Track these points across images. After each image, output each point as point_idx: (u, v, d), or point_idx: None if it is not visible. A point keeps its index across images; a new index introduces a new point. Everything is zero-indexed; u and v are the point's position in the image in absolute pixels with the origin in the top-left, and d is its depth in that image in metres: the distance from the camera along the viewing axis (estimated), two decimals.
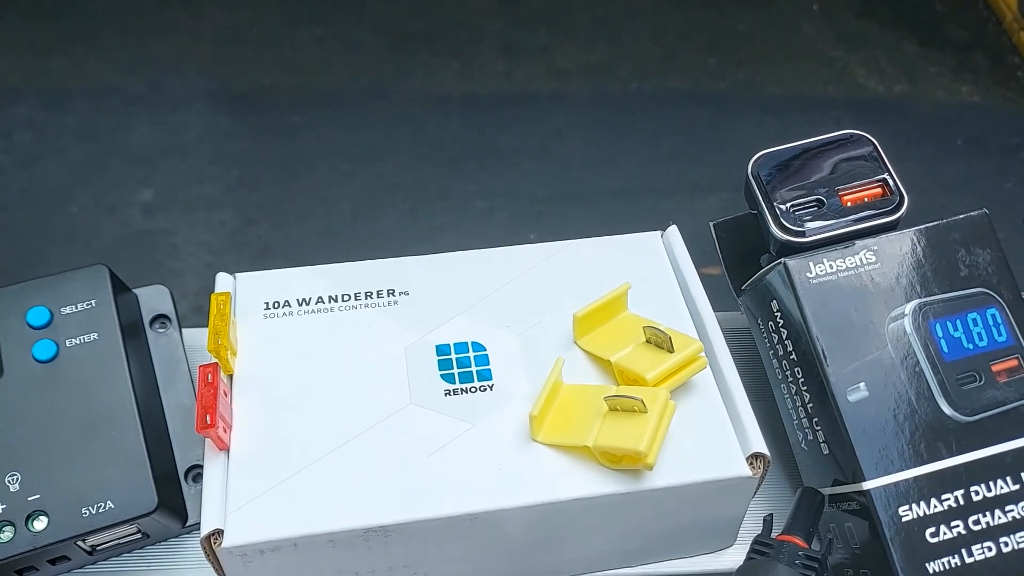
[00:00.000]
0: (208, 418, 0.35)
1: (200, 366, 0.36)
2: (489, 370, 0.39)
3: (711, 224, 0.46)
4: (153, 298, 0.44)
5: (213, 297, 0.39)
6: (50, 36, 1.56)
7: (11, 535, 0.35)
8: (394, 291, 0.42)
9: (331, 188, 1.38)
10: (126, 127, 1.44)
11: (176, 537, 0.40)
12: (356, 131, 1.47)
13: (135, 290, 0.44)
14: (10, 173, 1.37)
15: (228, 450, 0.36)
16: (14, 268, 1.24)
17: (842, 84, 1.63)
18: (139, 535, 0.38)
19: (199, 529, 0.39)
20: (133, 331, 0.41)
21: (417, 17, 1.67)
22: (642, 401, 0.35)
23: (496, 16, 1.69)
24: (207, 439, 0.36)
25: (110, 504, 0.36)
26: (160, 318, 0.44)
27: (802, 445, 0.39)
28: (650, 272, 0.43)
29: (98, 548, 0.38)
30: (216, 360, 0.37)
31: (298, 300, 0.41)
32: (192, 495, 0.40)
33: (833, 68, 1.66)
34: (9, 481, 0.36)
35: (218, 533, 0.34)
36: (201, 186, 1.37)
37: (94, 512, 0.36)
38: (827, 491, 0.38)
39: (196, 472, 0.41)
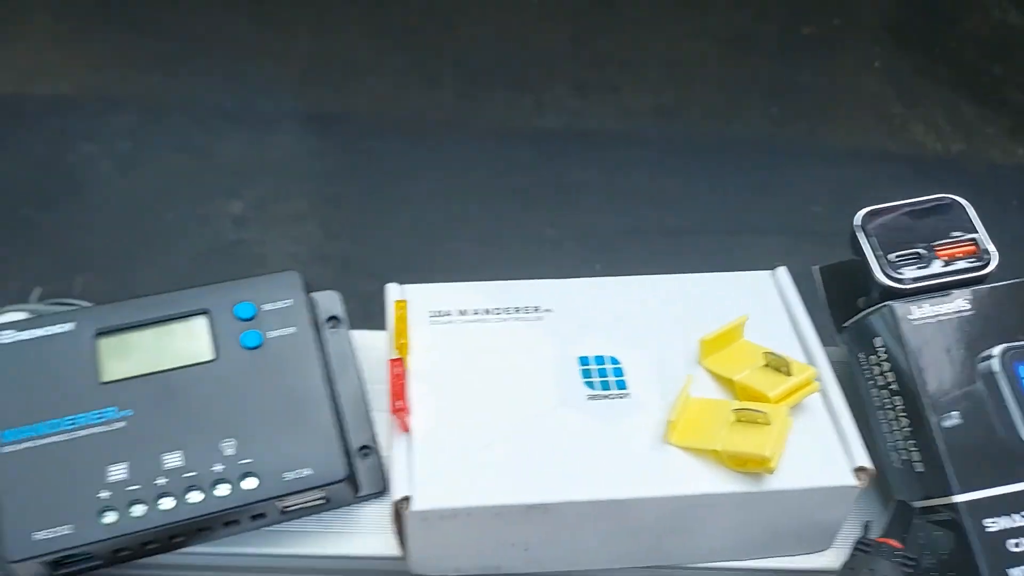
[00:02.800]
0: (399, 403, 0.42)
1: (390, 360, 0.43)
2: (624, 381, 0.45)
3: (816, 268, 0.52)
4: (327, 301, 0.51)
5: (396, 303, 0.46)
6: (153, 53, 1.67)
7: (227, 491, 0.42)
8: (539, 308, 0.48)
9: (408, 210, 1.46)
10: (219, 142, 1.54)
11: (347, 505, 0.46)
12: (433, 158, 1.55)
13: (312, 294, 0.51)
14: (111, 178, 1.46)
15: (409, 431, 0.43)
16: (114, 267, 1.33)
17: (900, 140, 1.68)
18: (322, 501, 0.45)
19: (368, 499, 0.46)
20: (316, 328, 0.48)
21: (494, 54, 1.76)
22: (766, 414, 0.41)
23: (569, 56, 1.77)
24: (392, 422, 0.42)
25: (308, 471, 0.43)
26: (332, 319, 0.51)
27: (896, 464, 0.45)
28: (762, 305, 0.49)
29: (288, 509, 0.44)
30: (400, 356, 0.44)
31: (458, 311, 0.48)
32: (362, 470, 0.46)
33: (892, 124, 1.72)
34: (225, 446, 0.43)
35: (407, 499, 0.40)
36: (288, 202, 1.45)
37: (294, 477, 0.43)
38: (918, 504, 0.43)
39: (365, 450, 0.47)
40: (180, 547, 0.44)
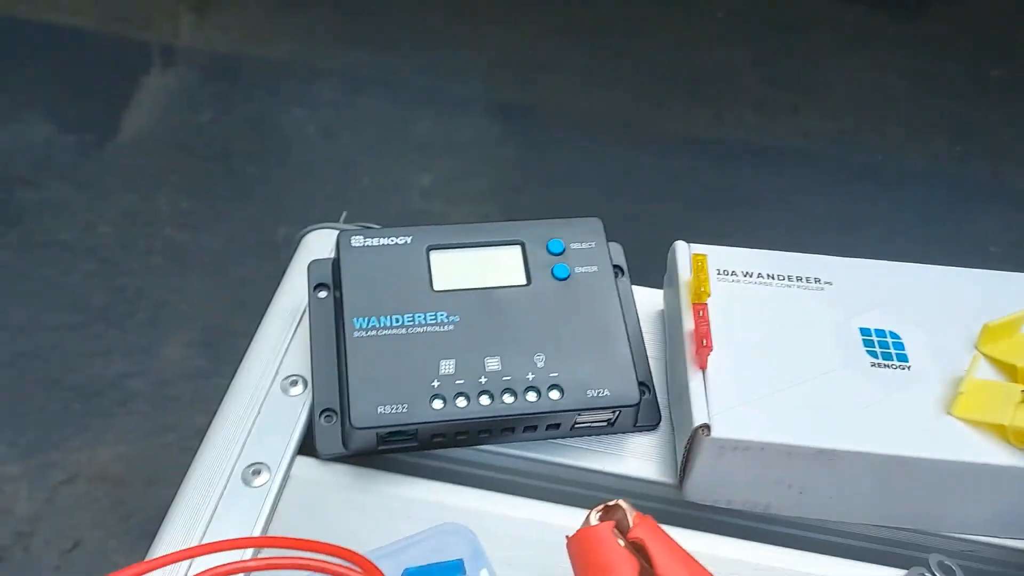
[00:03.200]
0: (705, 342, 0.46)
1: (693, 304, 0.48)
2: (905, 354, 0.48)
3: None
4: (614, 251, 0.56)
5: (695, 256, 0.50)
6: (357, 32, 1.79)
7: (535, 398, 0.47)
8: (820, 279, 0.52)
9: (583, 202, 1.51)
10: (412, 119, 1.63)
11: (624, 432, 0.51)
12: (610, 155, 1.60)
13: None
14: (315, 141, 1.57)
15: (705, 369, 0.47)
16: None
17: None
18: (606, 424, 0.50)
19: (641, 430, 0.51)
20: (614, 271, 0.53)
21: (675, 63, 1.80)
22: None
23: (750, 73, 1.79)
24: (691, 359, 0.47)
25: (606, 392, 0.48)
26: (616, 267, 0.56)
27: None
28: None
29: (578, 425, 0.49)
30: (703, 301, 0.48)
31: (743, 272, 0.52)
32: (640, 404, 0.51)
33: None
34: (537, 359, 0.48)
35: (706, 427, 0.44)
36: (471, 180, 1.53)
37: (594, 395, 0.48)
38: None
39: (643, 387, 0.52)
40: (482, 443, 0.49)
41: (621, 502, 0.39)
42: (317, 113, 1.61)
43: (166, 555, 0.41)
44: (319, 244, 0.62)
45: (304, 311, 0.56)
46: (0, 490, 1.10)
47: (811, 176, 1.59)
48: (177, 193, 1.44)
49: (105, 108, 1.57)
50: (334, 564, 0.40)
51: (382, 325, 0.48)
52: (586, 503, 0.42)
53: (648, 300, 0.57)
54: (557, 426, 0.49)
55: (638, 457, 0.50)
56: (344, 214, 0.63)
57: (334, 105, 1.63)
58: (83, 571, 1.03)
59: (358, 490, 0.49)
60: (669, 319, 0.53)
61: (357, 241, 0.51)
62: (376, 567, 0.40)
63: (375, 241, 0.51)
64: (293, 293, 0.57)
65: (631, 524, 0.38)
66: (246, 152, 1.52)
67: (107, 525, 1.07)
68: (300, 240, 0.62)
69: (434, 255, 0.51)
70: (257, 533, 0.47)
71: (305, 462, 0.50)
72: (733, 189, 1.56)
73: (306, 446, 0.50)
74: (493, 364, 0.48)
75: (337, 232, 0.62)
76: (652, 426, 0.51)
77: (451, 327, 0.48)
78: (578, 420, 0.49)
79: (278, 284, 0.59)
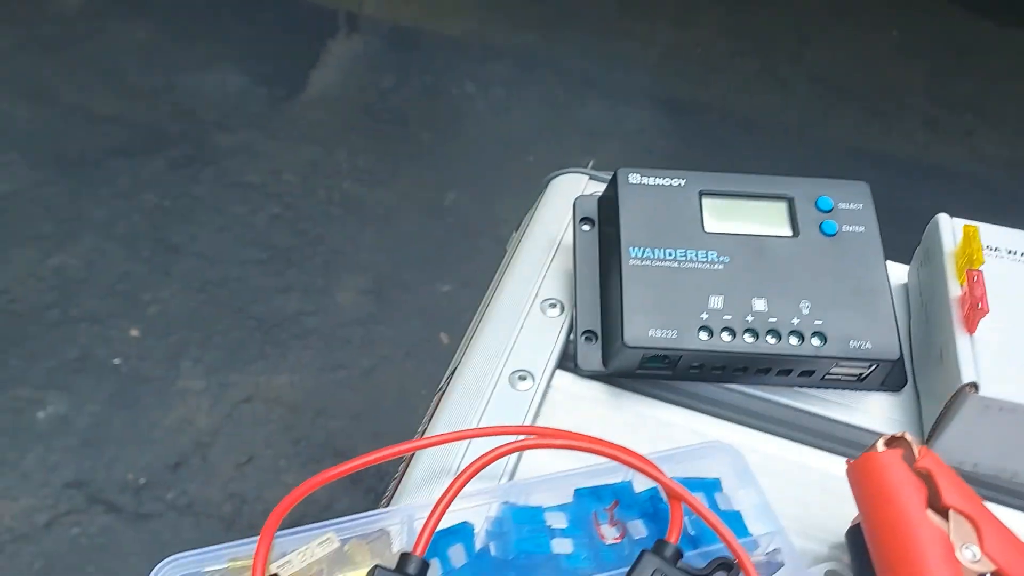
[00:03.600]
0: (980, 304, 0.47)
1: (968, 270, 0.49)
2: None
3: None
4: None
5: (966, 228, 0.51)
6: (532, 16, 1.84)
7: (797, 342, 0.50)
8: None
9: None
10: (580, 104, 1.67)
11: (869, 391, 0.53)
12: (775, 159, 1.60)
13: None
14: (485, 116, 1.63)
15: (973, 333, 0.48)
16: (479, 190, 1.49)
17: None
18: (854, 379, 0.51)
19: (883, 391, 0.52)
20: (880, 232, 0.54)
21: (847, 73, 1.78)
22: None
23: (922, 91, 1.76)
24: (960, 321, 0.48)
25: (868, 345, 0.49)
26: None
27: None
28: None
29: (829, 376, 0.51)
30: (978, 268, 0.49)
31: (1007, 250, 0.53)
32: None
33: None
34: (803, 306, 0.50)
35: (974, 385, 0.46)
36: None
37: (856, 346, 0.49)
38: None
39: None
40: (733, 380, 0.52)
41: (906, 434, 0.41)
42: (489, 90, 1.67)
43: (460, 431, 0.46)
44: (564, 187, 0.65)
45: (558, 243, 0.60)
46: (184, 401, 1.19)
47: (983, 200, 1.55)
48: (356, 150, 1.52)
49: (295, 66, 1.66)
50: (625, 455, 0.43)
51: (656, 257, 0.51)
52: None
53: None
54: (810, 374, 0.51)
55: (879, 416, 0.52)
56: (591, 161, 0.67)
57: (505, 84, 1.68)
58: (255, 484, 1.11)
59: (614, 407, 0.52)
60: (924, 289, 0.55)
61: (634, 178, 0.54)
62: (650, 461, 0.43)
63: (651, 180, 0.54)
64: (546, 227, 0.61)
65: (917, 455, 0.40)
66: (421, 119, 1.59)
67: (279, 445, 1.14)
68: (548, 182, 0.66)
69: (706, 200, 0.54)
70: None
71: (564, 376, 0.53)
72: (899, 202, 1.53)
73: (563, 363, 0.54)
74: (760, 305, 0.50)
75: (586, 175, 0.66)
76: (898, 387, 0.53)
77: (721, 266, 0.51)
78: (831, 371, 0.51)
79: (531, 217, 0.63)
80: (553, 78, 1.71)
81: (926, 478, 0.40)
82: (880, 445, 0.41)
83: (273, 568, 0.39)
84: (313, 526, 0.41)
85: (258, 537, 0.40)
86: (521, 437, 0.46)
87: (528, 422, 0.50)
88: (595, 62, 1.75)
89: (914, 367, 0.54)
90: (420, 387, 1.16)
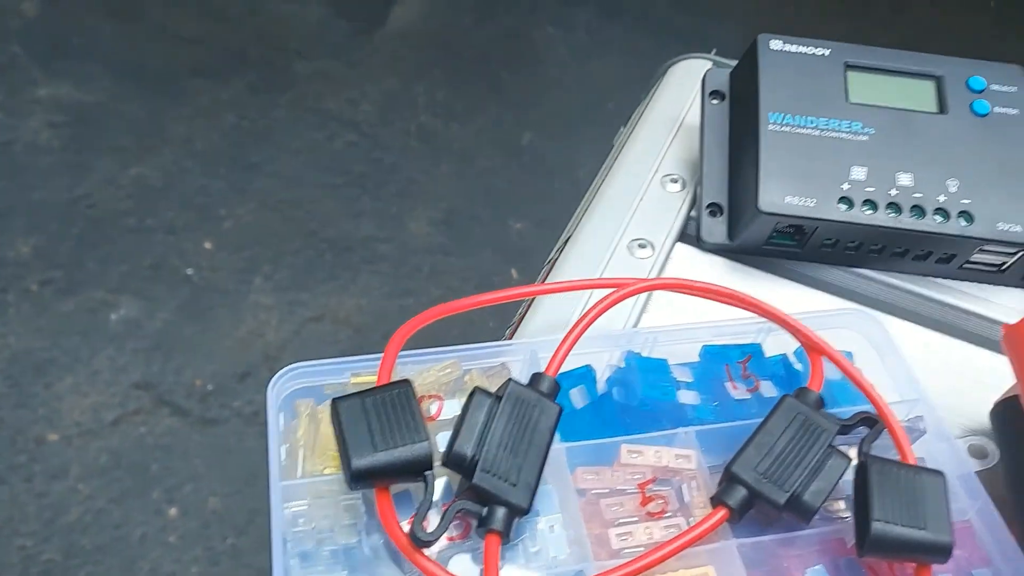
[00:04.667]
0: None
1: None
2: None
3: None
4: None
5: None
6: None
7: (942, 220, 0.46)
8: None
9: None
10: (664, 55, 1.63)
11: (1005, 285, 0.49)
12: None
13: None
14: (566, 60, 1.60)
15: None
16: (556, 134, 1.46)
17: None
18: (995, 269, 0.48)
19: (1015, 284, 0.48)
20: None
21: (943, 42, 1.71)
22: None
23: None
24: None
25: (1017, 228, 0.46)
26: None
27: None
28: None
29: (969, 264, 0.48)
30: None
31: None
32: None
33: None
34: (950, 184, 0.47)
35: None
36: None
37: (1005, 228, 0.46)
38: None
39: None
40: (867, 263, 0.49)
41: None
42: (571, 35, 1.64)
43: (585, 280, 0.44)
44: (684, 71, 0.62)
45: (680, 123, 0.57)
46: (254, 316, 1.19)
47: None
48: (435, 85, 1.51)
49: (376, 0, 1.65)
50: (765, 308, 0.40)
51: (796, 123, 0.48)
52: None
53: None
54: (948, 260, 0.48)
55: (1018, 312, 0.49)
56: (714, 49, 0.64)
57: (587, 29, 1.65)
58: None
59: (737, 282, 0.49)
60: None
61: (776, 44, 0.51)
62: (791, 317, 0.40)
63: (793, 47, 0.51)
64: (665, 108, 0.59)
65: None
66: (501, 59, 1.57)
67: None
68: (667, 68, 0.64)
69: (851, 72, 0.50)
70: (640, 305, 0.48)
71: (685, 248, 0.51)
72: None
73: (684, 235, 0.52)
74: (905, 180, 0.47)
75: (709, 60, 0.63)
76: None
77: (865, 138, 0.48)
78: (972, 258, 0.48)
79: (647, 103, 0.61)
80: (637, 26, 1.67)
81: None
82: None
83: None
84: (437, 350, 0.40)
85: (381, 355, 0.38)
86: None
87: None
88: (680, 11, 1.71)
89: None
90: (488, 319, 1.14)
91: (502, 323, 0.54)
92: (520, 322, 0.46)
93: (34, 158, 1.34)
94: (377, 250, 1.27)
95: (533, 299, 0.48)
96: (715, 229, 0.50)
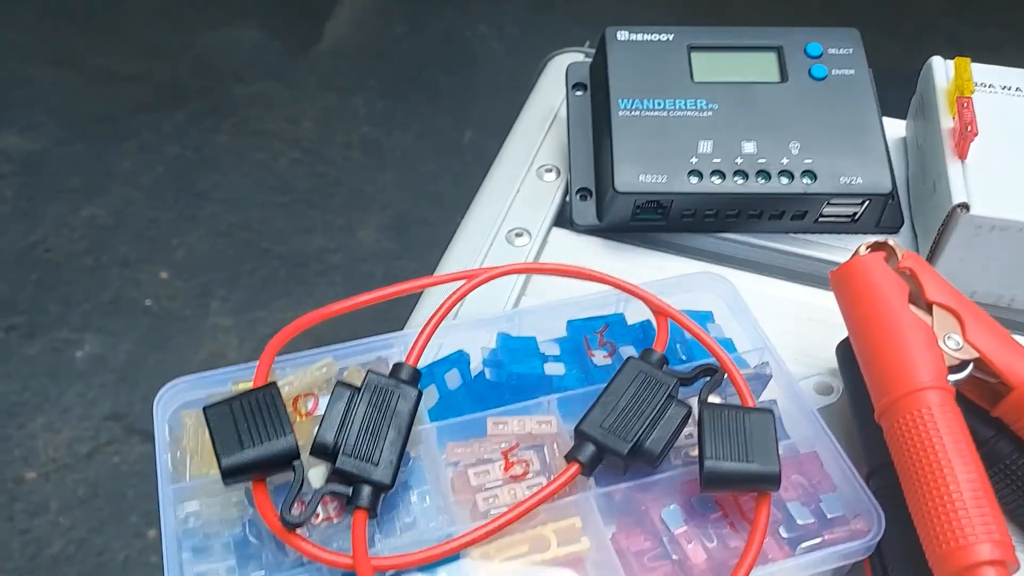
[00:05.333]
0: (969, 127, 0.47)
1: (957, 98, 0.49)
2: None
3: None
4: None
5: (957, 60, 0.51)
6: None
7: (788, 181, 0.50)
8: None
9: None
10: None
11: (868, 233, 0.53)
12: None
13: None
14: (500, 56, 1.63)
15: (965, 159, 0.48)
16: (497, 130, 1.49)
17: None
18: (848, 220, 0.52)
19: (884, 232, 0.52)
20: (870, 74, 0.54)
21: None
22: None
23: (948, 13, 1.72)
24: (951, 148, 0.48)
25: (859, 180, 0.50)
26: None
27: None
28: None
29: (822, 218, 0.52)
30: (968, 95, 0.49)
31: (1002, 85, 0.52)
32: None
33: None
34: (792, 146, 0.51)
35: (964, 206, 0.46)
36: None
37: (847, 182, 0.50)
38: None
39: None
40: (727, 228, 0.52)
41: (889, 239, 0.41)
42: (503, 31, 1.67)
43: (460, 272, 0.47)
44: (561, 65, 0.65)
45: (553, 116, 0.61)
46: (214, 338, 1.22)
47: None
48: (373, 96, 1.54)
49: (308, 19, 1.68)
50: (613, 280, 0.44)
51: (644, 107, 0.52)
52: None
53: None
54: (802, 216, 0.52)
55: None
56: (588, 42, 0.67)
57: (519, 23, 1.68)
58: None
59: (610, 258, 0.53)
60: (919, 133, 0.54)
61: (622, 35, 0.55)
62: (637, 286, 0.44)
63: (639, 36, 0.55)
64: (542, 102, 0.62)
65: (899, 257, 0.41)
66: (436, 63, 1.60)
67: None
68: (544, 65, 0.67)
69: (695, 54, 0.54)
70: (518, 290, 0.52)
71: (561, 232, 0.54)
72: None
73: (560, 220, 0.55)
74: (749, 147, 0.51)
75: (582, 53, 0.66)
76: (894, 228, 0.53)
77: (710, 113, 0.52)
78: (824, 212, 0.51)
79: (527, 97, 0.64)
80: (568, 16, 1.70)
81: (908, 278, 0.40)
82: (863, 249, 0.41)
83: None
84: (312, 351, 0.43)
85: (258, 361, 0.41)
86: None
87: (522, 281, 0.52)
88: (615, 2, 1.74)
89: (912, 213, 0.54)
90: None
91: None
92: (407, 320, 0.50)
93: None
94: (330, 261, 1.30)
95: (421, 294, 0.51)
96: (586, 212, 0.54)
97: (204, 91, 1.54)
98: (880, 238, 0.41)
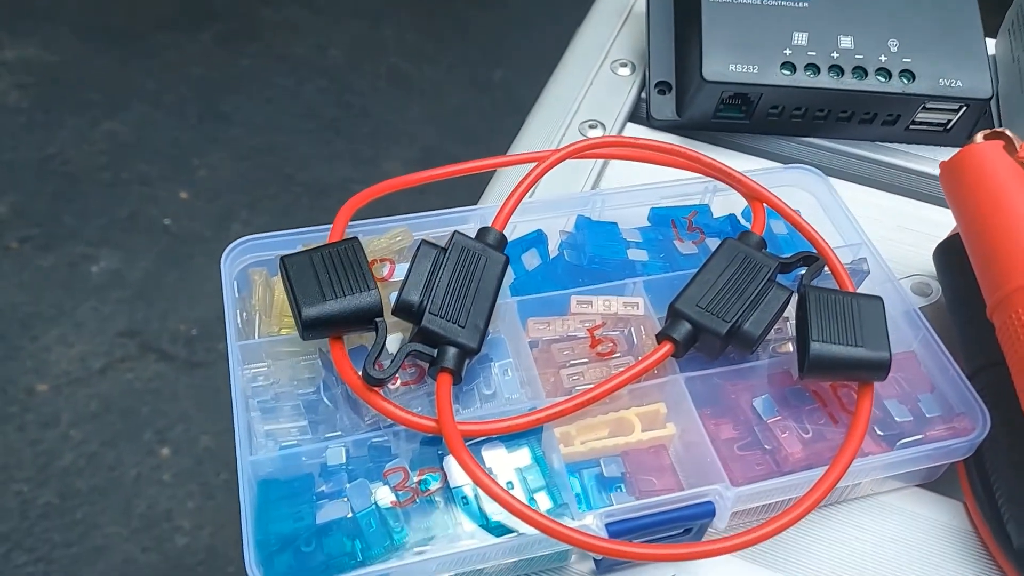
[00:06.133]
0: None
1: None
2: None
3: None
4: None
5: None
6: None
7: (885, 79, 0.47)
8: None
9: None
10: None
11: (953, 146, 0.50)
12: None
13: None
14: None
15: None
16: (528, 67, 1.46)
17: None
18: (941, 129, 0.49)
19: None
20: None
21: None
22: None
23: None
24: None
25: (959, 83, 0.47)
26: None
27: None
28: None
29: (915, 124, 0.49)
30: None
31: None
32: None
33: None
34: (891, 44, 0.48)
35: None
36: None
37: (946, 84, 0.47)
38: None
39: None
40: (814, 132, 0.50)
41: (1007, 130, 0.39)
42: None
43: (539, 152, 0.44)
44: None
45: (628, 12, 0.58)
46: None
47: None
48: (403, 27, 1.50)
49: None
50: (706, 162, 0.41)
51: None
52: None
53: None
54: (894, 122, 0.49)
55: None
56: None
57: None
58: None
59: None
60: (1016, 44, 0.52)
61: None
62: (732, 169, 0.41)
63: None
64: None
65: (1018, 148, 0.38)
66: None
67: None
68: None
69: None
70: (593, 177, 0.49)
71: (637, 127, 0.52)
72: None
73: (635, 118, 0.52)
74: (846, 42, 0.48)
75: None
76: None
77: (806, 4, 0.49)
78: (917, 118, 0.49)
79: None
80: None
81: None
82: (979, 138, 0.39)
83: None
84: (387, 219, 0.41)
85: (331, 224, 0.39)
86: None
87: (599, 167, 0.49)
88: None
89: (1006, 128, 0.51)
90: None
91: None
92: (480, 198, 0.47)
93: (4, 119, 1.34)
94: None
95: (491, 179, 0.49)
96: (664, 106, 0.51)
97: (231, 13, 1.50)
98: (997, 129, 0.39)
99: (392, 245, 0.39)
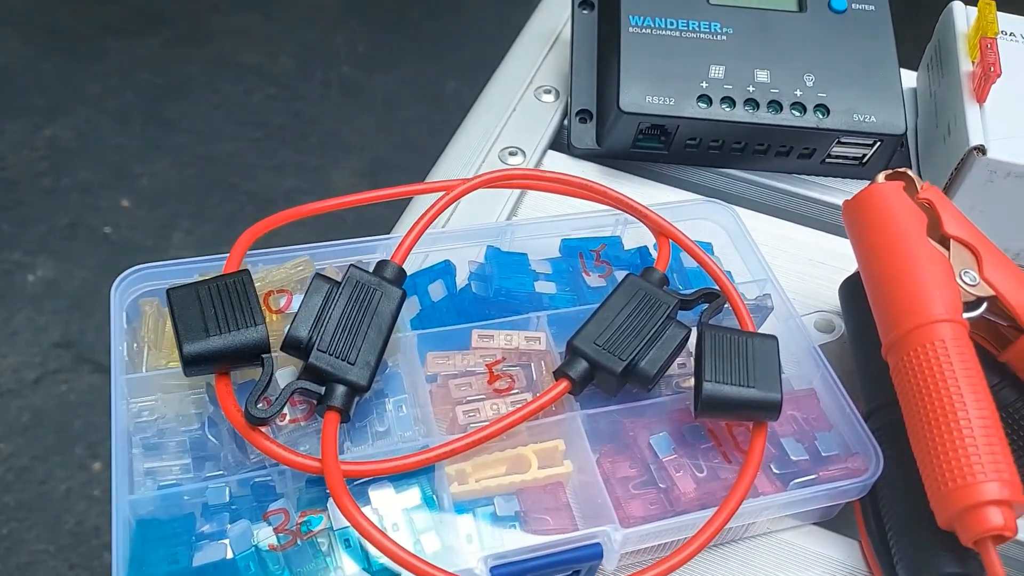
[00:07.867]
0: (993, 68, 0.45)
1: (981, 39, 0.47)
2: None
3: None
4: None
5: (980, 2, 0.49)
6: None
7: (799, 114, 0.48)
8: None
9: None
10: None
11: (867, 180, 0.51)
12: None
13: None
14: (490, 9, 1.59)
15: (983, 103, 0.46)
16: (480, 79, 1.46)
17: None
18: (856, 163, 0.50)
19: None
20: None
21: None
22: None
23: None
24: (971, 92, 0.46)
25: (872, 118, 0.48)
26: None
27: None
28: None
29: (830, 158, 0.49)
30: (993, 36, 0.47)
31: (1022, 34, 0.51)
32: None
33: None
34: (807, 78, 0.48)
35: (981, 148, 0.44)
36: None
37: (860, 119, 0.48)
38: None
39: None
40: (731, 162, 0.50)
41: (908, 170, 0.39)
42: None
43: (448, 180, 0.44)
44: None
45: (555, 39, 0.57)
46: None
47: None
48: (355, 36, 1.49)
49: None
50: (615, 196, 0.41)
51: (657, 25, 0.49)
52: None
53: None
54: (809, 155, 0.49)
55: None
56: None
57: None
58: None
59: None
60: (933, 80, 0.52)
61: None
62: (640, 204, 0.41)
63: None
64: (543, 23, 0.59)
65: (919, 188, 0.38)
66: (423, 8, 1.55)
67: None
68: None
69: None
70: (510, 206, 0.49)
71: (557, 156, 0.52)
72: None
73: (556, 144, 0.52)
74: (762, 76, 0.48)
75: None
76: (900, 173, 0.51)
77: (724, 37, 0.49)
78: (832, 152, 0.49)
79: (531, 15, 0.61)
80: None
81: (927, 209, 0.38)
82: (881, 178, 0.39)
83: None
84: (288, 248, 0.40)
85: (228, 254, 0.38)
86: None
87: (515, 196, 0.49)
88: None
89: (919, 165, 0.52)
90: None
91: None
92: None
93: None
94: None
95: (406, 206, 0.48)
96: (584, 135, 0.51)
97: (181, 18, 1.47)
98: (899, 168, 0.39)
99: (292, 275, 0.38)
